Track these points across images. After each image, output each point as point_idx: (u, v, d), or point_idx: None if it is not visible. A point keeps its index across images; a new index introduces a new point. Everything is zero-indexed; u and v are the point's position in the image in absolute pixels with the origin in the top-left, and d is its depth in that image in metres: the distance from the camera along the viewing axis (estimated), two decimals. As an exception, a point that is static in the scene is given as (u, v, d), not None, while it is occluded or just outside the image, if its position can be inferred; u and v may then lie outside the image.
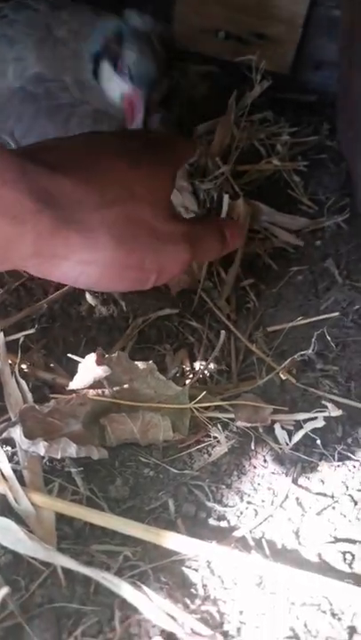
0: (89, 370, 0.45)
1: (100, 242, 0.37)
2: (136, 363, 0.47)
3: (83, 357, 0.53)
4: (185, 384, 0.50)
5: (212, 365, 0.53)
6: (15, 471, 0.40)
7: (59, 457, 0.40)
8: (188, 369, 0.53)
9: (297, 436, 0.44)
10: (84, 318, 0.56)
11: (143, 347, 0.55)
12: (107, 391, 0.45)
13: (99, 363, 0.44)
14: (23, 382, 0.44)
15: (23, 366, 0.49)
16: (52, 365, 0.51)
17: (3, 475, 0.39)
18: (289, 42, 0.74)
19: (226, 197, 0.60)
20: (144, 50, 0.54)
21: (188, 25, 0.73)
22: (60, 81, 0.58)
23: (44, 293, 0.56)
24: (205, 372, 0.52)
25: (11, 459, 0.40)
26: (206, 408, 0.46)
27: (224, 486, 0.42)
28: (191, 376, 0.52)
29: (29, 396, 0.43)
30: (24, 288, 0.56)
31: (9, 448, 0.41)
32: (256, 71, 0.66)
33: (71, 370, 0.52)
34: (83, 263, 0.36)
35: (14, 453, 0.41)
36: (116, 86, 0.55)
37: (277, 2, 0.72)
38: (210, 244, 0.45)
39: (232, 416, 0.45)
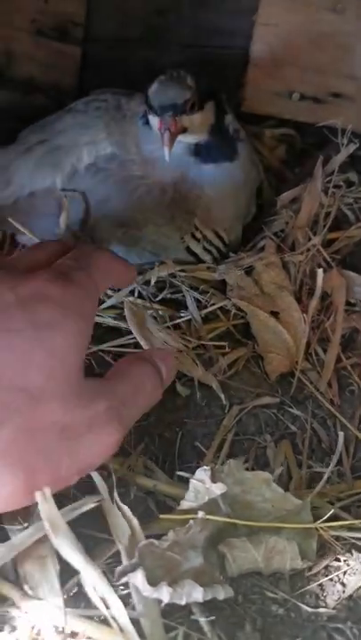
0: (201, 487, 0.38)
1: None
2: (249, 473, 0.40)
3: (180, 455, 0.47)
4: (296, 488, 0.44)
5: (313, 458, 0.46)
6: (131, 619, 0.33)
7: (184, 603, 0.33)
8: (293, 465, 0.47)
9: None
10: (178, 409, 0.50)
11: (241, 438, 0.49)
12: (221, 508, 0.39)
13: (214, 480, 0.38)
14: (126, 508, 0.37)
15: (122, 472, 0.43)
16: (148, 466, 0.45)
17: (120, 627, 0.32)
18: (366, 99, 0.68)
19: (320, 272, 0.54)
20: (162, 79, 0.50)
21: (261, 88, 0.68)
22: (130, 160, 0.54)
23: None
24: (316, 470, 0.45)
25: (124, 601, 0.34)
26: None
27: (367, 628, 0.35)
28: (300, 477, 0.45)
29: (136, 523, 0.36)
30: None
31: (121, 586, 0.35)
32: (342, 134, 0.60)
33: (169, 469, 0.46)
34: None
35: (128, 595, 0.34)
36: (153, 137, 0.51)
37: (352, 59, 0.67)
38: (143, 399, 0.35)
39: (363, 536, 0.38)
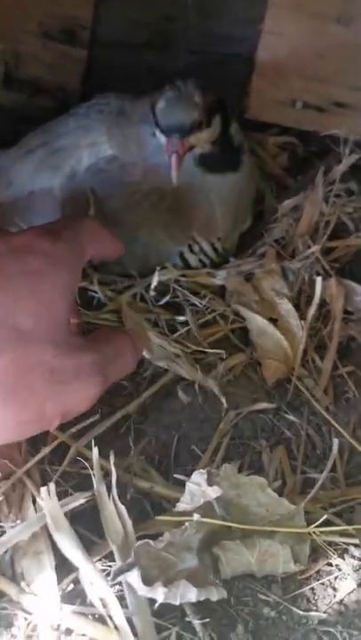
0: (197, 490, 0.39)
1: None
2: (245, 477, 0.41)
3: (176, 457, 0.48)
4: (290, 493, 0.45)
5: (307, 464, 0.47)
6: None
7: (178, 603, 0.34)
8: (288, 470, 0.47)
9: None
10: (175, 412, 0.50)
11: (237, 443, 0.50)
12: (216, 511, 0.39)
13: (210, 483, 0.39)
14: (122, 507, 0.38)
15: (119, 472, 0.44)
16: (144, 468, 0.46)
17: (115, 625, 0.33)
18: (369, 109, 0.69)
19: (319, 280, 0.55)
20: (169, 96, 0.51)
21: (265, 96, 0.69)
22: (131, 163, 0.55)
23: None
24: (310, 476, 0.46)
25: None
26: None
27: (356, 632, 0.36)
28: (294, 482, 0.46)
29: (129, 524, 0.37)
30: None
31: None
32: (344, 144, 0.61)
33: (165, 471, 0.47)
34: None
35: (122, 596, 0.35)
36: (156, 145, 0.52)
37: (356, 70, 0.68)
38: (123, 364, 0.38)
39: (356, 542, 0.39)
